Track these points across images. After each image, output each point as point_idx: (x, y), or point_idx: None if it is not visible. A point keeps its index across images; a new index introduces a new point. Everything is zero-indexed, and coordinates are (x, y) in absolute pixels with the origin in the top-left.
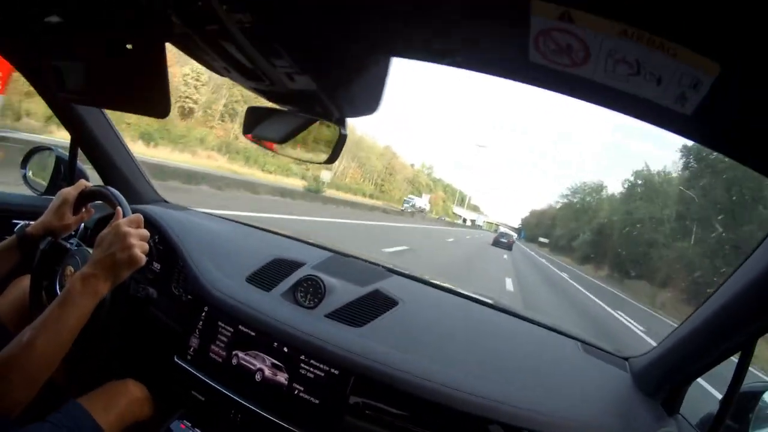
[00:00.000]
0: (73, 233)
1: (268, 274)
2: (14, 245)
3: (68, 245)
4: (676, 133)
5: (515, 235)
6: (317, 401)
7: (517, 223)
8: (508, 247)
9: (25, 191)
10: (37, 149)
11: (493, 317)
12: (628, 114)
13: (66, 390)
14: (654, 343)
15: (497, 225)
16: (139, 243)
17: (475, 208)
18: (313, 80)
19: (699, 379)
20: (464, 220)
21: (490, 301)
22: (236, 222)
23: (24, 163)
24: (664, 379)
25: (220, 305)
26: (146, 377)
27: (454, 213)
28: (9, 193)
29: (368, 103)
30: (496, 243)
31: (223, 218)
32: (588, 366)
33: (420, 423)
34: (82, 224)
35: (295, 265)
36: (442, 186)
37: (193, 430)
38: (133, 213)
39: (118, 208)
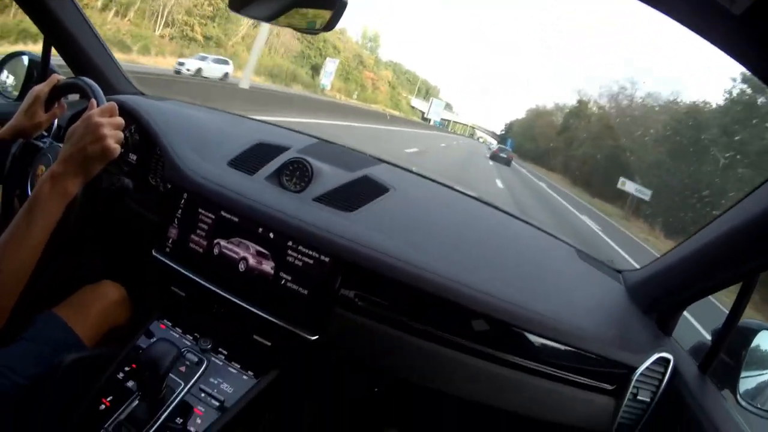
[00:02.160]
0: (45, 133)
1: (252, 158)
2: None
3: (41, 144)
4: (714, 41)
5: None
6: (305, 291)
7: (498, 129)
8: (507, 162)
9: None
10: (8, 57)
11: (487, 213)
12: (668, 13)
13: (41, 302)
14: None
15: (473, 128)
16: (112, 133)
17: (447, 107)
18: None
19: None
20: (426, 119)
21: (483, 199)
22: (219, 111)
23: None
24: (661, 297)
25: (200, 190)
26: (123, 277)
27: (411, 106)
28: None
29: None
30: (495, 158)
31: (205, 107)
32: (583, 272)
33: (409, 313)
34: (56, 122)
35: (280, 150)
36: (392, 67)
37: (174, 330)
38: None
39: (92, 99)
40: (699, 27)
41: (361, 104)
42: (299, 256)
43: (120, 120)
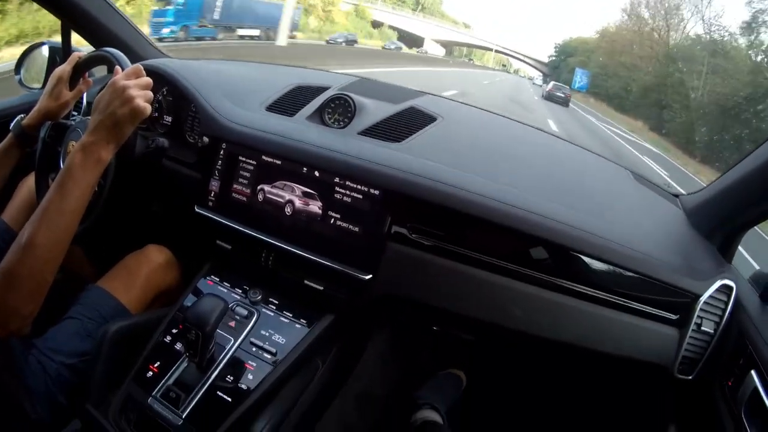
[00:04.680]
0: (75, 113)
1: (291, 101)
2: (12, 144)
3: (70, 123)
4: None
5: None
6: (357, 229)
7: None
8: (565, 102)
9: None
10: (29, 49)
11: (539, 138)
12: None
13: (88, 277)
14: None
15: (506, 64)
16: (140, 93)
17: (464, 25)
18: None
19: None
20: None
21: (535, 126)
22: (253, 62)
23: (18, 68)
24: (720, 220)
25: (238, 138)
26: (167, 239)
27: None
28: (4, 99)
29: None
30: (550, 97)
31: (239, 61)
32: (641, 196)
33: (468, 244)
34: (84, 100)
35: (319, 90)
36: None
37: (221, 285)
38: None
39: (117, 66)
40: None
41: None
42: (348, 192)
43: (147, 79)
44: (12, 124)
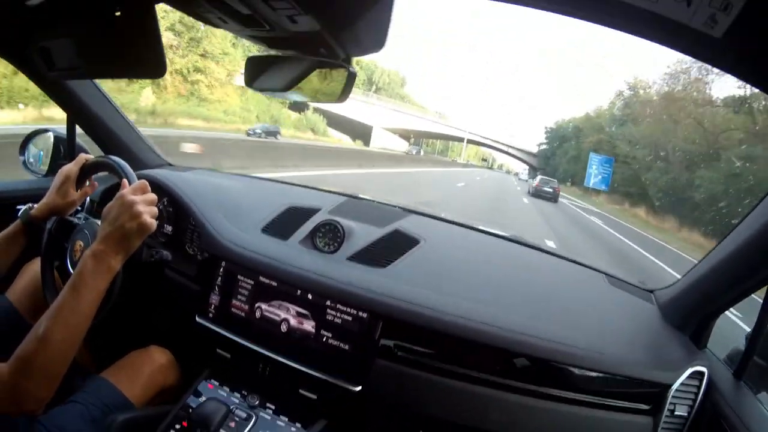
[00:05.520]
0: (79, 209)
1: (284, 223)
2: (19, 230)
3: (76, 220)
4: (704, 60)
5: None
6: (347, 347)
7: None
8: (554, 197)
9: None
10: (34, 133)
11: (516, 251)
12: (654, 39)
13: (88, 367)
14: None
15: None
16: (147, 209)
17: (437, 114)
18: (316, 20)
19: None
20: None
21: (511, 236)
22: (244, 176)
23: (22, 149)
24: (691, 311)
25: (237, 259)
26: (169, 342)
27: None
28: (11, 181)
29: (374, 39)
30: (537, 193)
31: (230, 174)
32: (615, 298)
33: (450, 360)
34: (88, 198)
35: (310, 212)
36: None
37: (221, 389)
38: (138, 179)
39: (123, 179)
40: (686, 50)
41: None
42: (338, 314)
43: (153, 196)
44: (20, 213)
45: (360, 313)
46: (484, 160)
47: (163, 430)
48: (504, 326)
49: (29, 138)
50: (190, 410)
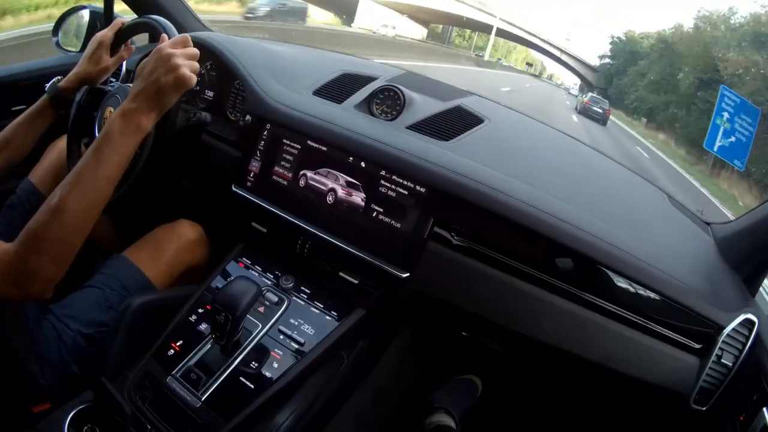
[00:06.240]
0: (113, 80)
1: (338, 87)
2: (46, 105)
3: (108, 88)
4: None
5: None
6: (398, 225)
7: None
8: (603, 120)
9: None
10: (68, 12)
11: (581, 150)
12: None
13: (114, 248)
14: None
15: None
16: (186, 62)
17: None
18: None
19: None
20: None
21: (579, 138)
22: (300, 45)
23: (56, 30)
24: (750, 253)
25: (285, 120)
26: (201, 216)
27: None
28: (41, 60)
29: None
30: (585, 112)
31: (285, 43)
32: (675, 219)
33: (509, 252)
34: (124, 67)
35: (367, 79)
36: None
37: (253, 268)
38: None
39: (163, 34)
40: None
41: None
42: (393, 187)
43: (194, 50)
44: (48, 85)
45: (418, 187)
46: (529, 64)
47: (184, 314)
48: (571, 221)
49: (63, 18)
50: (217, 290)
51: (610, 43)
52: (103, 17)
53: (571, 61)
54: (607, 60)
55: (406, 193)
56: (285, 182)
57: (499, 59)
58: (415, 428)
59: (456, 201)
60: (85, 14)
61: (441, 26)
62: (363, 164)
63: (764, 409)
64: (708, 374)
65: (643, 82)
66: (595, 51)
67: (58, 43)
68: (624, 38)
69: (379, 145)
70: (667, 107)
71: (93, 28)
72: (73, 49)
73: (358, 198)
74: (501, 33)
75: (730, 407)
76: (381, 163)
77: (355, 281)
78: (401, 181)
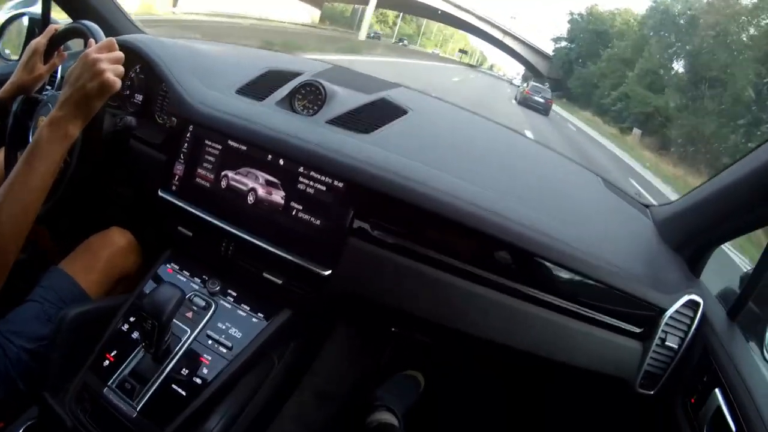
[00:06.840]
0: (48, 87)
1: (262, 85)
2: None
3: (42, 97)
4: None
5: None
6: (318, 222)
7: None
8: (545, 110)
9: None
10: (9, 20)
11: (511, 139)
12: None
13: (54, 257)
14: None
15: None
16: (111, 67)
17: None
18: None
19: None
20: None
21: (505, 125)
22: (229, 45)
23: None
24: (691, 233)
25: (205, 120)
26: (130, 222)
27: None
28: None
29: None
30: (525, 102)
31: (214, 42)
32: (611, 203)
33: (433, 244)
34: (59, 73)
35: (291, 75)
36: None
37: (181, 273)
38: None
39: (91, 39)
40: None
41: None
42: (311, 183)
43: (119, 54)
44: None
45: (335, 182)
46: (463, 51)
47: (118, 324)
48: (493, 209)
49: (4, 25)
50: (143, 298)
51: (569, 22)
52: (40, 23)
53: (518, 45)
54: (564, 43)
55: (325, 189)
56: (208, 184)
57: (435, 50)
58: (359, 427)
59: (374, 194)
60: (25, 21)
61: (350, 8)
62: (281, 162)
63: (716, 390)
64: (653, 358)
65: (632, 72)
66: (547, 34)
67: None
68: (587, 15)
69: (296, 141)
70: (685, 115)
71: (31, 34)
72: (15, 57)
73: (278, 196)
74: (426, 12)
75: (681, 390)
76: (298, 160)
77: (279, 281)
78: (319, 177)
